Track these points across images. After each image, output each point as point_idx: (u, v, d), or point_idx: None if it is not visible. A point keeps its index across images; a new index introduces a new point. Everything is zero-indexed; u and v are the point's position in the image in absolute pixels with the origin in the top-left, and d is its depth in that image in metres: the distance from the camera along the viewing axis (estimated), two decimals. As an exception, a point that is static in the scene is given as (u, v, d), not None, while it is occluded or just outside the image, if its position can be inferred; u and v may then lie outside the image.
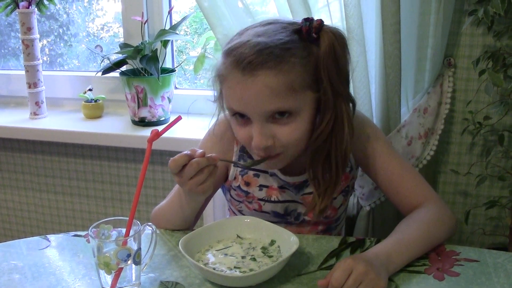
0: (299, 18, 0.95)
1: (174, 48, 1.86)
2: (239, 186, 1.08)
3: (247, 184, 1.07)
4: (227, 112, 1.00)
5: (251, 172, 1.07)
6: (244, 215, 1.12)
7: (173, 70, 1.71)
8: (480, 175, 1.38)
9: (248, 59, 0.87)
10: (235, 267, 0.88)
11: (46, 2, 1.76)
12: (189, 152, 0.88)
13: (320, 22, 0.91)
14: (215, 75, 0.96)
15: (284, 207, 1.07)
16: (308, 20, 0.91)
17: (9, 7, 1.74)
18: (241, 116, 0.93)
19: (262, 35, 0.90)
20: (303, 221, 1.10)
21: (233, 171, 1.08)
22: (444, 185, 1.54)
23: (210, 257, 0.91)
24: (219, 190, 1.21)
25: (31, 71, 1.78)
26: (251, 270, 0.87)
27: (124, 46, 1.69)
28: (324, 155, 0.97)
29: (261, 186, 1.07)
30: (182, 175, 0.88)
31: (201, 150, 0.88)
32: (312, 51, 0.91)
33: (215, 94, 1.00)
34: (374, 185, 1.42)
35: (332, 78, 0.91)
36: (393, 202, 1.07)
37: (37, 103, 1.82)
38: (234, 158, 1.07)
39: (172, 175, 0.90)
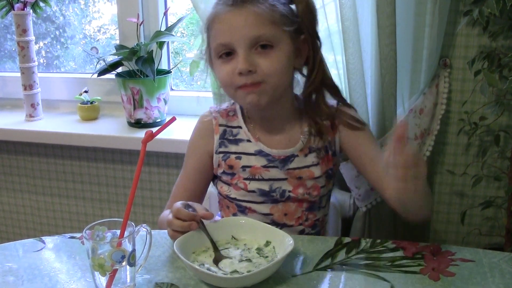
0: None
1: (171, 50, 1.86)
2: (224, 172, 1.14)
3: (231, 167, 1.13)
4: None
5: (232, 156, 1.12)
6: (231, 202, 1.15)
7: (168, 72, 1.71)
8: (476, 176, 1.38)
9: None
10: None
11: (41, 4, 1.76)
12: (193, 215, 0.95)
13: None
14: (204, 26, 1.08)
15: (269, 184, 1.11)
16: None
17: (4, 9, 1.74)
18: (226, 55, 1.03)
19: None
20: (289, 198, 1.12)
21: (215, 158, 1.14)
22: (440, 185, 1.54)
23: (205, 258, 0.91)
24: (215, 192, 1.22)
25: (27, 73, 1.77)
26: (247, 271, 0.86)
27: (119, 47, 1.69)
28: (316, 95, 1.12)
29: (244, 167, 1.12)
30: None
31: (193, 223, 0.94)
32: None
33: (203, 48, 1.11)
34: (370, 186, 1.42)
35: (310, 28, 1.07)
36: (377, 188, 1.11)
37: (32, 105, 1.81)
38: (215, 146, 1.14)
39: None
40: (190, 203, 0.99)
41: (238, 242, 0.96)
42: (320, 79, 1.10)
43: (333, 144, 1.14)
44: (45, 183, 1.92)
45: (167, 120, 0.88)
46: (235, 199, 1.14)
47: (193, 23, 1.92)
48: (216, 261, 0.90)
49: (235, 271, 0.87)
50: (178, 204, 0.98)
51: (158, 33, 1.64)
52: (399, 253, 0.96)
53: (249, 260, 0.90)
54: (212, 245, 0.93)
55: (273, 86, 1.04)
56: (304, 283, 0.87)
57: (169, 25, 1.72)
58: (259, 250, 0.93)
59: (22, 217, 2.01)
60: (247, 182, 1.12)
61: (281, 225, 1.12)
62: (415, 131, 1.41)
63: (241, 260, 0.90)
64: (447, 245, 0.98)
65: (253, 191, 1.12)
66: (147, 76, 1.60)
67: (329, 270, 0.91)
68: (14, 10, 1.71)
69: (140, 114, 1.67)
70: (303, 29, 1.06)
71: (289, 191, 1.11)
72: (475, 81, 1.36)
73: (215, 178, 1.19)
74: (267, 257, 0.91)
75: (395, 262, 0.93)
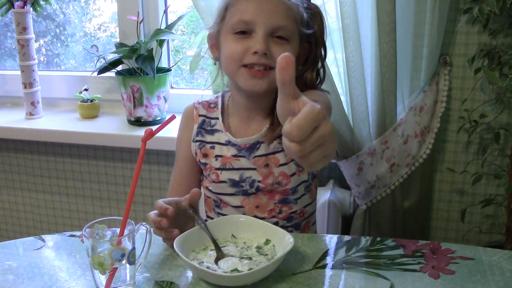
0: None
1: (171, 48, 1.86)
2: (199, 160, 1.16)
3: (205, 155, 1.15)
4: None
5: (208, 145, 1.15)
6: (209, 197, 1.17)
7: (169, 70, 1.71)
8: (476, 173, 1.38)
9: None
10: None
11: (42, 2, 1.76)
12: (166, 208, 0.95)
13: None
14: (224, 2, 1.08)
15: (239, 174, 1.12)
16: None
17: (4, 7, 1.74)
18: (242, 33, 1.04)
19: None
20: (258, 189, 1.12)
21: (193, 146, 1.17)
22: (441, 183, 1.54)
23: (205, 256, 0.91)
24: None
25: (27, 71, 1.77)
26: (246, 269, 0.86)
27: (119, 45, 1.69)
28: None
29: (216, 156, 1.14)
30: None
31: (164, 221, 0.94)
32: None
33: (217, 22, 1.10)
34: (370, 184, 1.42)
35: (320, 36, 1.11)
36: None
37: (32, 103, 1.81)
38: (193, 134, 1.17)
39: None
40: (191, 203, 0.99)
41: (238, 240, 0.96)
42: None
43: None
44: (45, 181, 1.92)
45: (167, 118, 0.88)
46: (211, 191, 1.16)
47: (193, 21, 1.92)
48: (218, 260, 0.90)
49: (235, 269, 0.87)
50: (160, 201, 0.97)
51: (158, 31, 1.63)
52: (399, 251, 0.96)
53: (249, 258, 0.90)
54: (213, 243, 0.93)
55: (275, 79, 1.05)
56: (303, 281, 0.87)
57: (169, 23, 1.72)
58: (258, 248, 0.93)
59: (22, 215, 2.01)
60: (218, 172, 1.13)
61: None
62: (415, 128, 1.41)
63: (241, 258, 0.90)
64: (447, 243, 0.98)
65: (224, 182, 1.13)
66: (147, 74, 1.60)
67: (329, 268, 0.91)
68: (14, 8, 1.71)
69: (140, 112, 1.67)
70: (311, 39, 1.09)
71: (259, 181, 1.11)
72: (475, 79, 1.36)
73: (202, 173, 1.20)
74: (266, 255, 0.91)
75: (395, 260, 0.93)
